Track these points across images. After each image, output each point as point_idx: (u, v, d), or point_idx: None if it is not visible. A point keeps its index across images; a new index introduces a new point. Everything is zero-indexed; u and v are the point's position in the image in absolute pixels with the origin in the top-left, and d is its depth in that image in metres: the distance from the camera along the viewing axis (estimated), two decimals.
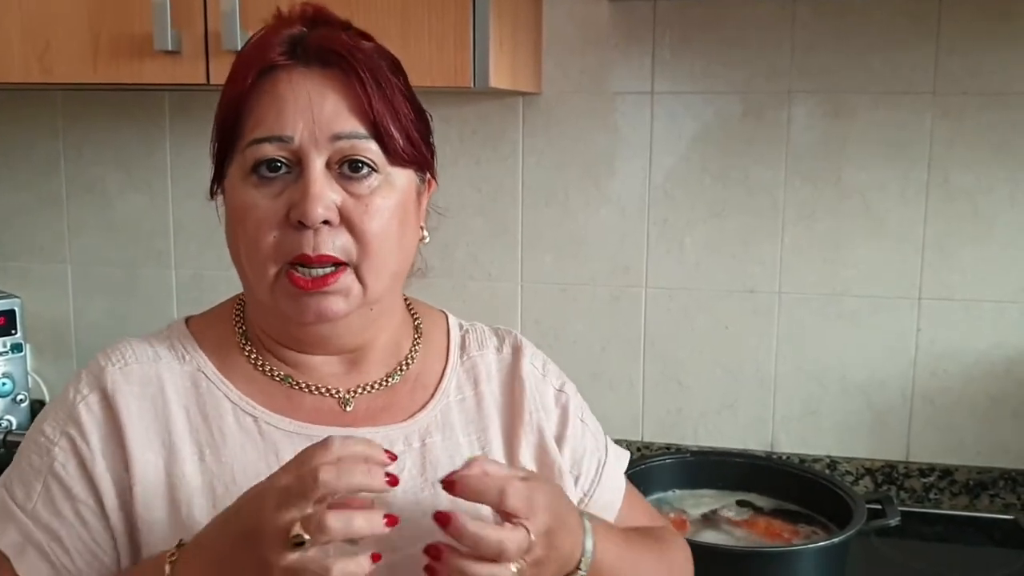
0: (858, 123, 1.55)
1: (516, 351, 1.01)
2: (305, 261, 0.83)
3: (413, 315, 1.00)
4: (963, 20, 1.50)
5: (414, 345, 0.97)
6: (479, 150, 1.67)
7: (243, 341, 0.92)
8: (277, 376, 0.91)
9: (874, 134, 1.55)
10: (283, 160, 0.84)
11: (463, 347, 1.00)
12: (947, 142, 1.53)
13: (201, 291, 1.77)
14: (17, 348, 1.61)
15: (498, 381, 0.99)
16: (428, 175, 0.93)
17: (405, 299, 1.00)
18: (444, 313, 1.04)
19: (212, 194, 0.91)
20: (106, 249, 1.83)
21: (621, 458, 1.06)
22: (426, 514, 0.85)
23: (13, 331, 1.60)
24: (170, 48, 1.32)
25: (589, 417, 1.04)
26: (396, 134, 0.86)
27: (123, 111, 1.78)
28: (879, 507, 1.39)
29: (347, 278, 0.84)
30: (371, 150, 0.85)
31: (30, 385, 1.70)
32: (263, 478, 0.80)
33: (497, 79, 1.31)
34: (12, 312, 1.60)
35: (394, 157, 0.86)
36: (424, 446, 0.91)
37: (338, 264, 0.84)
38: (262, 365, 0.91)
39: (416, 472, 0.90)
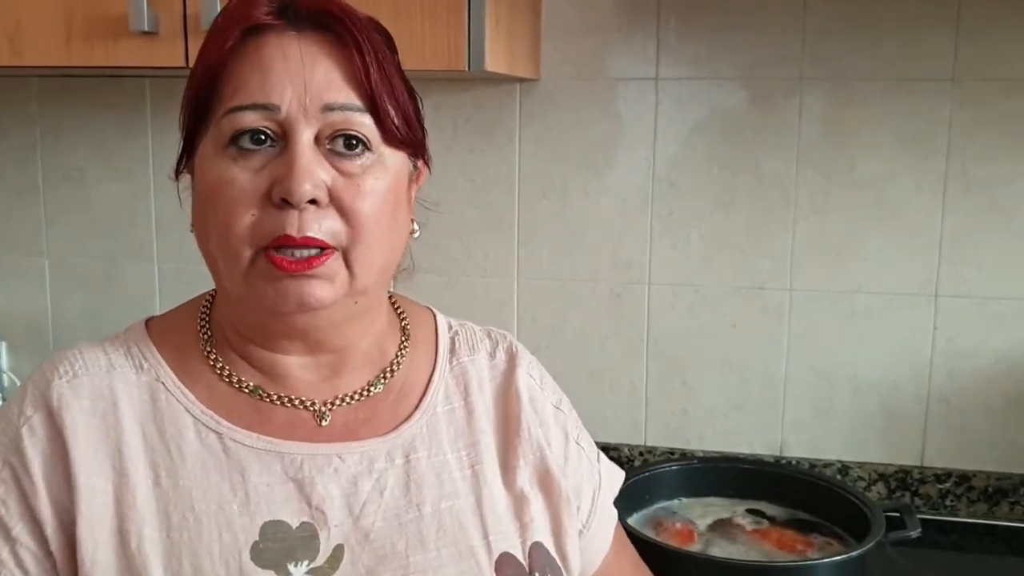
0: (872, 111, 1.48)
1: (511, 358, 0.92)
2: (288, 243, 0.73)
3: (400, 315, 0.91)
4: (984, 4, 1.42)
5: (400, 349, 0.88)
6: (473, 139, 1.59)
7: (207, 347, 0.83)
8: (245, 387, 0.81)
9: (889, 123, 1.47)
10: (267, 131, 0.74)
11: (452, 350, 0.91)
12: (966, 131, 1.45)
13: (185, 286, 1.69)
14: None
15: (491, 391, 0.90)
16: (420, 162, 0.84)
17: (391, 297, 0.91)
18: (431, 311, 0.95)
19: (177, 173, 0.81)
20: (84, 241, 1.75)
21: (614, 483, 0.97)
22: (409, 539, 0.78)
23: None
24: (146, 29, 1.24)
25: (584, 438, 0.96)
26: (392, 111, 0.77)
27: (102, 97, 1.70)
28: (897, 516, 1.32)
29: (334, 262, 0.75)
30: (365, 125, 0.76)
31: (5, 384, 1.62)
32: (225, 503, 0.73)
33: (493, 63, 1.24)
34: None
35: (389, 136, 0.78)
36: (408, 462, 0.82)
37: (324, 248, 0.74)
38: (228, 374, 0.81)
39: (399, 492, 0.80)
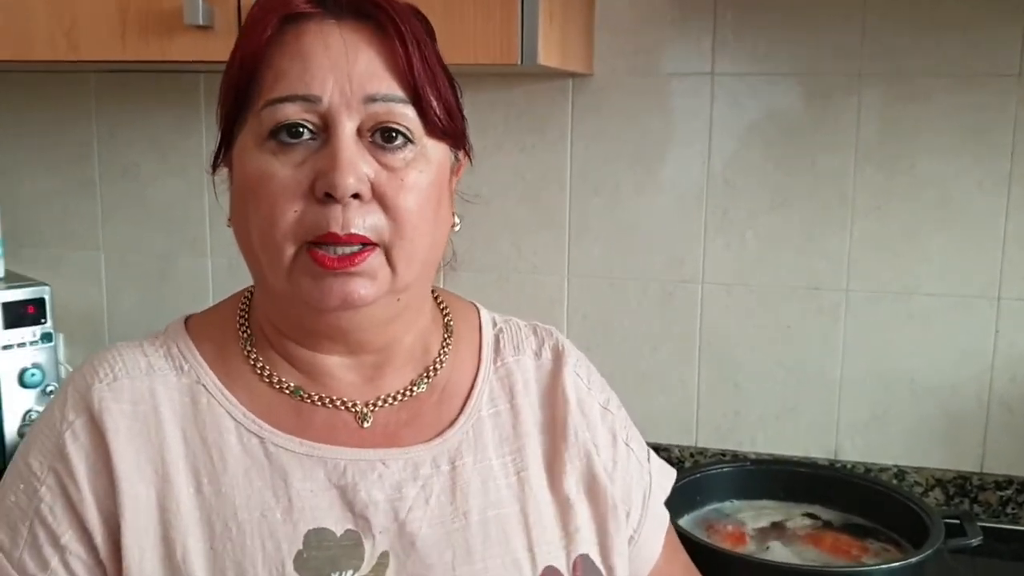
0: (934, 108, 1.44)
1: (558, 357, 0.89)
2: (332, 240, 0.71)
3: (443, 310, 0.88)
4: None
5: (443, 347, 0.85)
6: (525, 135, 1.58)
7: (247, 346, 0.81)
8: (286, 388, 0.79)
9: (951, 120, 1.43)
10: (307, 124, 0.72)
11: (497, 350, 0.88)
12: None
13: (237, 281, 1.68)
14: (47, 338, 1.55)
15: (537, 393, 0.87)
16: (461, 153, 0.82)
17: (434, 291, 0.88)
18: (475, 306, 0.92)
19: (215, 167, 0.80)
20: (139, 236, 1.77)
21: (665, 483, 0.94)
22: (456, 549, 0.76)
23: (43, 320, 1.55)
24: (201, 23, 1.25)
25: (634, 437, 0.93)
26: (434, 101, 0.75)
27: (157, 93, 1.72)
28: (955, 523, 1.28)
29: (376, 259, 0.73)
30: (408, 117, 0.74)
31: (61, 376, 1.65)
32: (268, 510, 0.72)
33: (546, 57, 1.22)
34: (42, 300, 1.55)
35: (432, 127, 0.76)
36: (454, 469, 0.80)
37: (366, 244, 0.73)
38: (268, 375, 0.79)
39: (445, 499, 0.78)
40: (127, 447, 0.74)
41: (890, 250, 1.48)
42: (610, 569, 0.83)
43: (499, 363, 0.87)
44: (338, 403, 0.79)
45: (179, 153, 1.73)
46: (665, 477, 0.95)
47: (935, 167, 1.45)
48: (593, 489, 0.84)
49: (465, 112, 0.81)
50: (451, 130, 0.78)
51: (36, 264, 1.74)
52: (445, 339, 0.86)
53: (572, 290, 1.60)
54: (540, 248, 1.60)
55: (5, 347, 1.51)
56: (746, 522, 1.32)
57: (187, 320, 0.83)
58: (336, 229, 0.71)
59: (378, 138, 0.73)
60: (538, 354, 0.89)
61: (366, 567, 0.74)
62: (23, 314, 1.53)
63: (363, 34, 0.74)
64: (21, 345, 1.53)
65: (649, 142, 1.54)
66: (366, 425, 0.79)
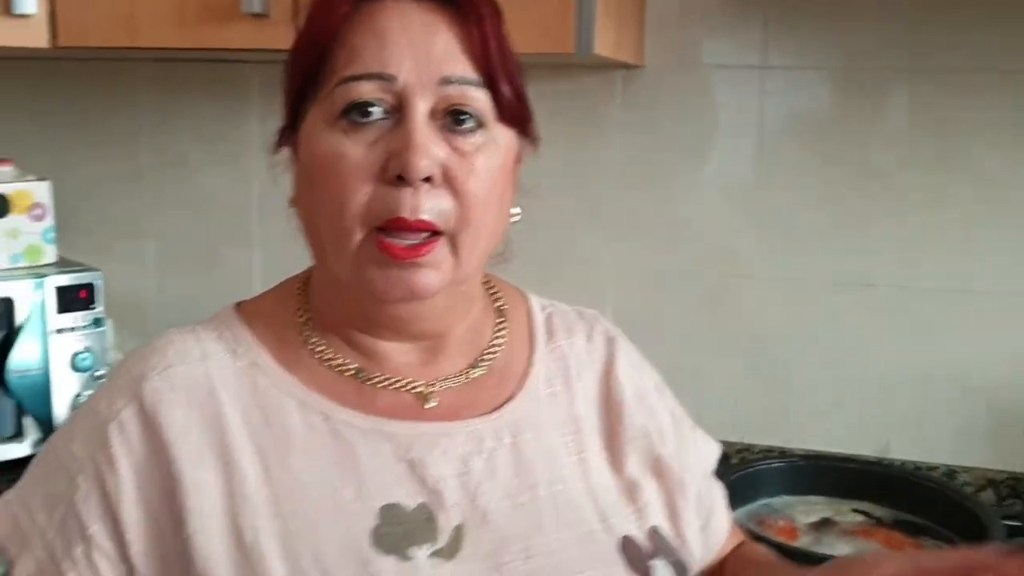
0: (987, 102, 1.42)
1: (610, 341, 0.89)
2: (402, 226, 0.70)
3: (494, 296, 0.87)
4: None
5: (497, 332, 0.85)
6: (572, 127, 1.57)
7: (305, 330, 0.79)
8: (348, 370, 0.78)
9: (1008, 114, 1.41)
10: (381, 103, 0.71)
11: (550, 333, 0.88)
12: None
13: (281, 270, 1.70)
14: (98, 322, 1.57)
15: (591, 376, 0.86)
16: (527, 140, 0.81)
17: (483, 277, 0.87)
18: (523, 292, 0.92)
19: (279, 146, 0.79)
20: (187, 224, 1.79)
21: (713, 456, 0.94)
22: (528, 520, 0.76)
23: (93, 305, 1.56)
24: (258, 11, 1.26)
25: (681, 413, 0.92)
26: (507, 85, 0.74)
27: (207, 84, 1.73)
28: (1016, 524, 1.26)
29: (441, 249, 0.72)
30: (481, 100, 0.73)
31: (110, 361, 1.66)
32: (338, 487, 0.71)
33: (601, 46, 1.22)
34: (92, 286, 1.56)
35: (503, 112, 0.74)
36: (516, 443, 0.79)
37: (434, 233, 0.71)
38: (329, 358, 0.78)
39: (511, 472, 0.77)
40: (186, 436, 0.72)
41: (943, 247, 1.46)
42: (683, 541, 0.82)
43: (553, 346, 0.87)
44: (399, 384, 0.79)
45: (227, 143, 1.74)
46: (711, 450, 0.95)
47: (990, 163, 1.43)
48: (658, 468, 0.84)
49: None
50: (521, 115, 0.77)
51: (86, 250, 1.75)
52: (498, 324, 0.86)
53: (617, 284, 1.59)
54: (585, 241, 1.60)
55: (58, 331, 1.53)
56: (796, 517, 1.31)
57: (238, 307, 0.82)
58: (406, 214, 0.70)
59: (450, 121, 0.72)
60: (589, 337, 0.89)
61: (442, 540, 0.73)
62: (75, 299, 1.54)
63: (441, 15, 0.73)
64: (73, 329, 1.54)
65: (698, 135, 1.53)
66: (428, 406, 0.79)
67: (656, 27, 1.52)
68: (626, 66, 1.51)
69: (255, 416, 0.74)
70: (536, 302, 0.91)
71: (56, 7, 1.37)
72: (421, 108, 0.71)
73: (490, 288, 0.88)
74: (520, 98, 0.77)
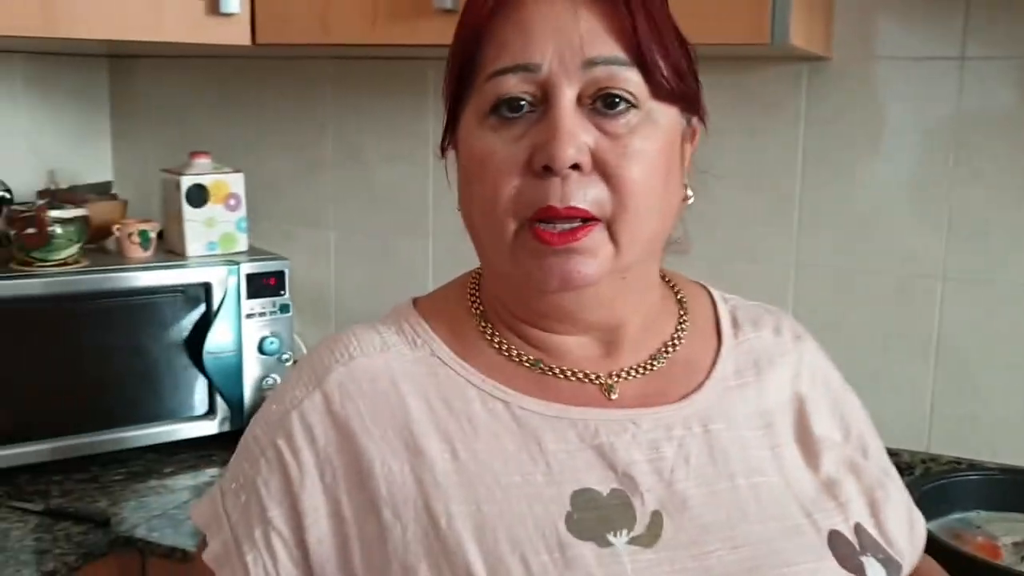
0: None
1: (799, 337, 0.87)
2: (552, 215, 0.69)
3: (674, 289, 0.85)
4: None
5: (680, 325, 0.82)
6: (754, 119, 1.53)
7: (482, 323, 0.79)
8: (526, 361, 0.78)
9: None
10: (527, 96, 0.70)
11: (736, 325, 0.85)
12: None
13: (456, 264, 1.73)
14: (285, 309, 1.64)
15: (781, 371, 0.83)
16: (694, 118, 0.77)
17: (660, 271, 0.84)
18: (703, 286, 0.89)
19: (443, 149, 0.79)
20: (366, 217, 1.84)
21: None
22: (730, 509, 0.74)
23: (282, 292, 1.64)
24: (449, 7, 1.28)
25: (867, 415, 0.89)
26: (661, 62, 0.71)
27: (387, 81, 1.78)
28: None
29: (598, 234, 0.70)
30: (631, 80, 0.70)
31: (295, 346, 1.74)
32: (528, 473, 0.71)
33: (796, 37, 1.18)
34: (282, 273, 1.64)
35: (658, 89, 0.71)
36: (708, 432, 0.77)
37: (588, 219, 0.70)
38: (507, 349, 0.78)
39: (705, 460, 0.75)
40: (372, 426, 0.73)
41: None
42: (888, 539, 0.79)
43: (741, 338, 0.84)
44: (581, 375, 0.78)
45: (404, 138, 1.79)
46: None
47: None
48: (855, 465, 0.81)
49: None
50: (681, 92, 0.73)
51: (271, 239, 1.84)
52: (681, 317, 0.83)
53: (799, 282, 1.55)
54: (765, 237, 1.56)
55: (248, 315, 1.60)
56: (998, 535, 1.23)
57: (415, 301, 0.83)
58: (555, 203, 0.69)
59: (599, 104, 0.70)
60: (777, 331, 0.86)
61: (640, 526, 0.71)
62: (264, 286, 1.62)
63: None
64: (262, 315, 1.62)
65: (889, 129, 1.47)
66: (613, 397, 0.77)
67: (845, 17, 1.46)
68: (812, 58, 1.46)
69: (437, 405, 0.75)
70: (719, 296, 0.89)
71: (256, 5, 1.44)
72: (567, 95, 0.70)
73: (669, 282, 0.86)
74: (680, 74, 0.73)
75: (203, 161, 1.67)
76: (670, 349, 0.81)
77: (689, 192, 0.78)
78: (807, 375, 0.84)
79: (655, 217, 0.73)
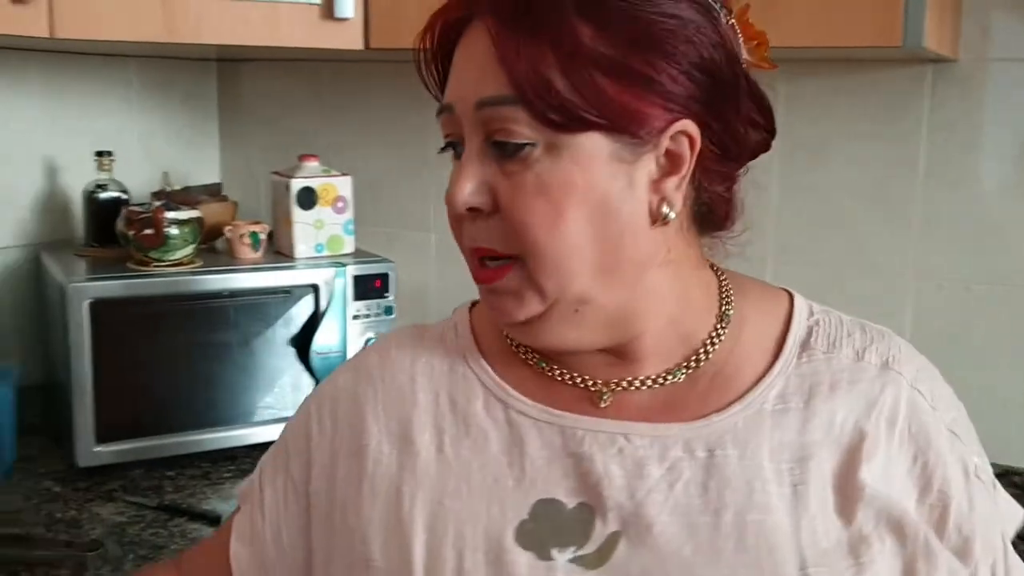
0: None
1: (889, 364, 0.74)
2: (478, 254, 0.72)
3: (724, 297, 0.77)
4: None
5: (713, 336, 0.75)
6: (871, 124, 1.48)
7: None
8: (531, 359, 0.78)
9: None
10: (454, 138, 0.72)
11: (805, 343, 0.75)
12: None
13: None
14: (389, 310, 1.66)
15: (848, 402, 0.72)
16: (673, 134, 0.68)
17: (720, 275, 0.78)
18: (788, 292, 0.80)
19: None
20: None
21: (1014, 523, 0.78)
22: (698, 545, 0.68)
23: (386, 294, 1.65)
24: None
25: (984, 466, 0.75)
26: (546, 90, 0.65)
27: None
28: None
29: (515, 275, 0.69)
30: (518, 119, 0.66)
31: None
32: (502, 476, 0.73)
33: (930, 38, 1.14)
34: (387, 276, 1.65)
35: (548, 122, 0.66)
36: (712, 458, 0.70)
37: (509, 259, 0.69)
38: (517, 346, 0.79)
39: (694, 490, 0.69)
40: (381, 411, 0.79)
41: None
42: None
43: (804, 357, 0.75)
44: (578, 379, 0.76)
45: None
46: (1014, 514, 0.80)
47: None
48: (899, 527, 0.70)
49: (770, 103, 0.74)
50: (585, 118, 0.66)
51: (375, 241, 1.85)
52: (717, 328, 0.76)
53: (920, 295, 1.49)
54: (882, 246, 1.50)
55: (354, 316, 1.62)
56: None
57: (473, 304, 0.85)
58: (467, 243, 0.72)
59: (494, 147, 0.68)
60: (860, 355, 0.74)
61: (591, 545, 0.69)
62: (370, 288, 1.64)
63: (490, 28, 0.67)
64: (367, 316, 1.64)
65: (1017, 135, 1.40)
66: (602, 405, 0.75)
67: (974, 17, 1.40)
68: (938, 60, 1.40)
69: (443, 401, 0.78)
70: (803, 307, 0.78)
71: (370, 10, 1.45)
72: (473, 138, 0.69)
73: (723, 288, 0.78)
74: (582, 90, 0.65)
75: (312, 164, 1.69)
76: (693, 364, 0.75)
77: (666, 210, 0.69)
78: (887, 412, 0.73)
79: (581, 251, 0.68)
